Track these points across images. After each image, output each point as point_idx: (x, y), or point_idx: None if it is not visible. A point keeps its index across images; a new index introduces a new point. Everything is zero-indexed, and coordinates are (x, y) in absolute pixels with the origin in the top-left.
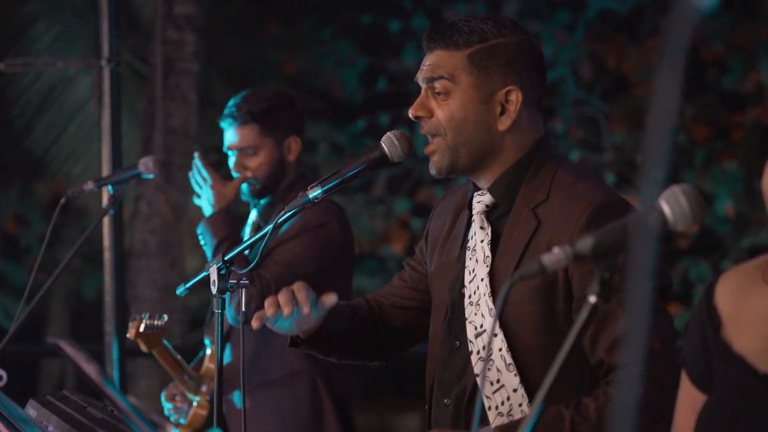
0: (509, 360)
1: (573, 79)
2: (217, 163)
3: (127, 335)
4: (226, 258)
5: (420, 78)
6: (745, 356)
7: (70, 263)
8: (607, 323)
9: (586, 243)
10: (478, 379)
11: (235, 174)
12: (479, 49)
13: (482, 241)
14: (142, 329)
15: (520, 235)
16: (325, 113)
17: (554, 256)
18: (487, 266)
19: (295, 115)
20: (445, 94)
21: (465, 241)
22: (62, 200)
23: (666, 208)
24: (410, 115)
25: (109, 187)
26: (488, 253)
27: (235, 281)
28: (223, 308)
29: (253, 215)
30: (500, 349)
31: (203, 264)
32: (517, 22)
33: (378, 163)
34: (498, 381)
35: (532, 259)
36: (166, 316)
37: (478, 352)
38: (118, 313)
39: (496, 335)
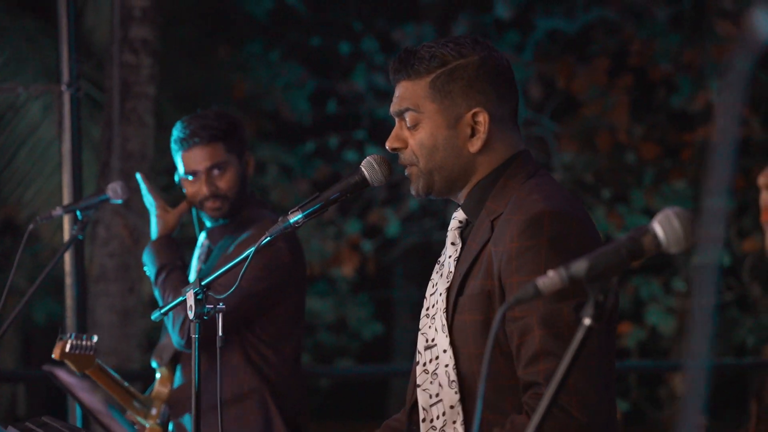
0: (453, 377)
1: (522, 100)
2: (168, 186)
3: (53, 355)
4: (203, 283)
5: (392, 112)
6: None
7: (18, 287)
8: (527, 338)
9: (580, 266)
10: (419, 390)
11: (204, 196)
12: (440, 74)
13: (450, 257)
14: (68, 349)
15: (475, 246)
16: (275, 135)
17: (549, 279)
18: (448, 281)
19: (245, 132)
20: (414, 125)
21: (439, 257)
22: (30, 226)
23: (659, 231)
24: (387, 148)
25: (78, 212)
26: (452, 269)
27: (211, 306)
28: (199, 333)
29: (202, 237)
30: (446, 365)
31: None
32: (479, 39)
33: (358, 187)
34: (437, 395)
35: (478, 269)
36: (96, 337)
37: (425, 364)
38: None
39: (445, 351)
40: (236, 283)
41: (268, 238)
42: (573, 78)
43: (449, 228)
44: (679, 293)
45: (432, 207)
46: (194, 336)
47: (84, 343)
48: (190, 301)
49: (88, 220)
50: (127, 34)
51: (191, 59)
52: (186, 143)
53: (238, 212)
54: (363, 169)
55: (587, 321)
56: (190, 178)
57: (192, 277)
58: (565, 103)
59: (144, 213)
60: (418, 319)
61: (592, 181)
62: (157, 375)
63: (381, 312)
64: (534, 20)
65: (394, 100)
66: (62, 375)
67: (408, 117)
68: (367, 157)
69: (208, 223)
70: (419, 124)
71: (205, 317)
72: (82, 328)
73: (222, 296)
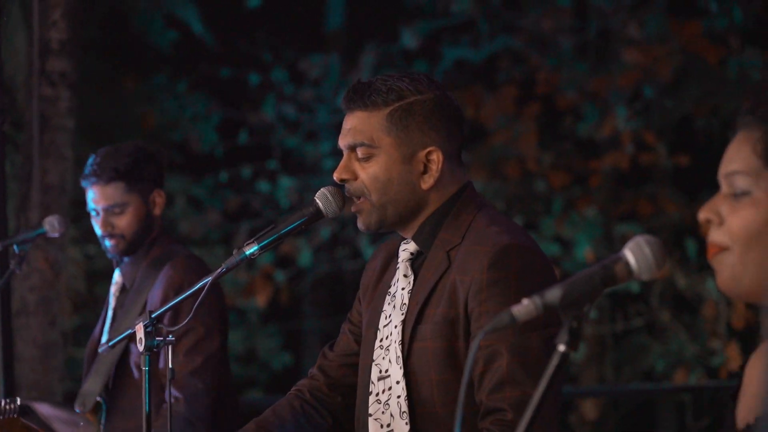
0: (404, 408)
1: None
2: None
3: None
4: (153, 315)
5: (342, 144)
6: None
7: None
8: (493, 365)
9: (555, 293)
10: (371, 419)
11: (100, 234)
12: (398, 107)
13: (403, 289)
14: None
15: (431, 276)
16: (183, 166)
17: (524, 307)
18: (403, 314)
19: (157, 168)
20: (367, 158)
21: (389, 287)
22: None
23: (631, 258)
24: (335, 179)
25: (15, 246)
26: (406, 300)
27: (161, 338)
28: (150, 365)
29: (117, 274)
30: (399, 396)
31: (84, 321)
32: (432, 77)
33: (313, 219)
34: (389, 425)
35: (438, 298)
36: (18, 399)
37: (377, 395)
38: (6, 372)
39: (398, 382)
40: (189, 316)
41: (224, 269)
42: (481, 107)
43: (399, 259)
44: (590, 320)
45: (343, 236)
46: (144, 369)
47: (6, 407)
48: (140, 333)
49: (24, 254)
50: (45, 67)
51: (98, 91)
52: (87, 181)
53: (148, 249)
54: (317, 200)
55: (561, 347)
56: (93, 213)
57: (109, 313)
58: (473, 132)
59: (64, 246)
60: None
61: (503, 208)
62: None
63: (290, 342)
64: (441, 50)
65: (345, 132)
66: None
67: (360, 151)
68: (321, 189)
69: (115, 260)
70: (373, 157)
71: (155, 350)
72: (8, 363)
73: (173, 328)
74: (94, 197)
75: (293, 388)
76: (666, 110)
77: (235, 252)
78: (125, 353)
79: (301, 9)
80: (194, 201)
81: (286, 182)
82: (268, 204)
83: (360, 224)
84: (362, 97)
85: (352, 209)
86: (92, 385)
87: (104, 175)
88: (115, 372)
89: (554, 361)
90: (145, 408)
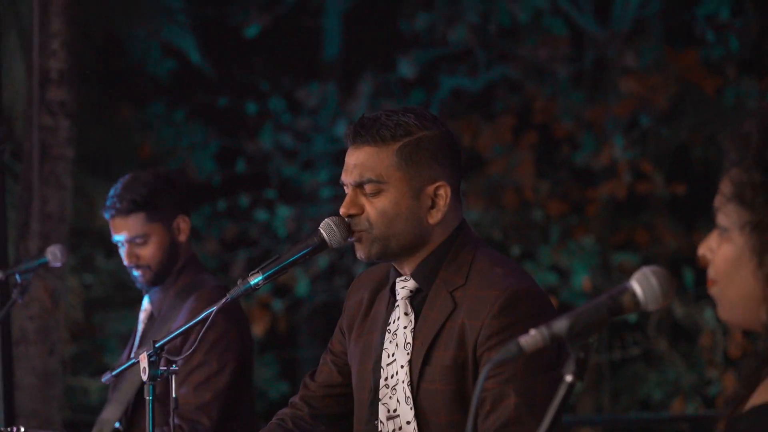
0: None
1: None
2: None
3: None
4: (157, 345)
5: (348, 181)
6: None
7: None
8: (501, 405)
9: (562, 324)
10: None
11: (127, 265)
12: (407, 142)
13: (405, 328)
14: None
15: (436, 317)
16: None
17: (531, 338)
18: (408, 353)
19: (178, 194)
20: (375, 193)
21: (387, 323)
22: None
23: (638, 289)
24: (341, 214)
25: (17, 275)
26: (410, 340)
27: (165, 368)
28: (153, 395)
29: (146, 302)
30: None
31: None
32: (435, 115)
33: (318, 249)
34: None
35: (446, 340)
36: (22, 429)
37: None
38: (6, 401)
39: (409, 423)
40: (195, 344)
41: (229, 298)
42: (478, 136)
43: (399, 297)
44: None
45: (341, 266)
46: (148, 398)
47: None
48: (144, 363)
49: (27, 284)
50: (45, 96)
51: (95, 120)
52: (108, 212)
53: (176, 278)
54: (321, 230)
55: (569, 378)
56: (118, 245)
57: (137, 341)
58: (470, 161)
59: (64, 275)
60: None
61: (500, 237)
62: None
63: (287, 371)
64: (438, 79)
65: (351, 167)
66: None
67: (368, 187)
68: (326, 219)
69: (144, 288)
70: (381, 192)
71: (159, 379)
72: (9, 392)
73: (178, 357)
74: (116, 229)
75: (275, 417)
76: (662, 139)
77: (239, 282)
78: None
79: (299, 38)
80: (191, 230)
81: (283, 211)
82: (265, 233)
83: (360, 253)
84: (370, 132)
85: (354, 237)
86: (111, 413)
87: (124, 207)
88: (135, 400)
89: (561, 391)
90: None
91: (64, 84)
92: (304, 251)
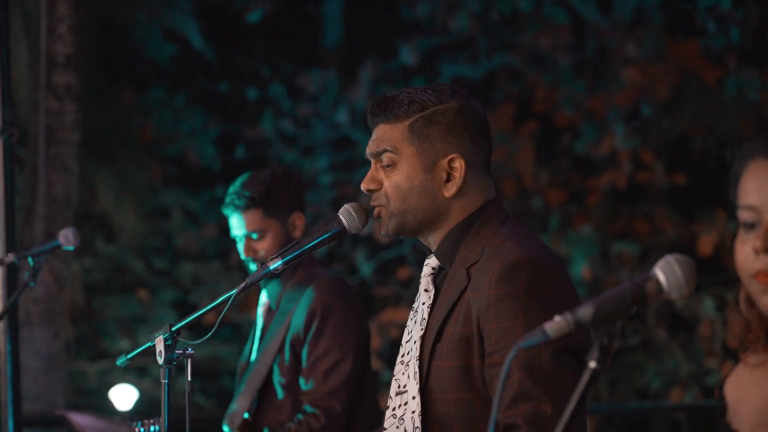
0: (417, 424)
1: None
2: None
3: None
4: (173, 328)
5: (368, 154)
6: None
7: None
8: (507, 382)
9: (586, 311)
10: None
11: (244, 258)
12: (419, 117)
13: (424, 304)
14: None
15: (451, 293)
16: (180, 180)
17: (556, 324)
18: (422, 329)
19: (294, 192)
20: (391, 166)
21: (413, 302)
22: None
23: (661, 277)
24: (363, 189)
25: (29, 259)
26: (426, 315)
27: (180, 352)
28: (169, 378)
29: (264, 296)
30: (413, 412)
31: (87, 333)
32: (456, 87)
33: (337, 235)
34: None
35: (457, 316)
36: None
37: (394, 409)
38: (14, 383)
39: (414, 398)
40: (214, 328)
41: (249, 282)
42: None
43: (422, 274)
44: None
45: (340, 252)
46: (164, 381)
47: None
48: (160, 346)
49: (39, 267)
50: (51, 81)
51: (96, 104)
52: (227, 209)
53: (293, 272)
54: (341, 216)
55: (592, 364)
56: (237, 240)
57: (257, 333)
58: None
59: (68, 259)
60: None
61: None
62: None
63: None
64: (439, 66)
65: (371, 142)
66: (75, 418)
67: (385, 157)
68: (345, 205)
69: (262, 282)
70: (396, 165)
71: (174, 362)
72: (16, 375)
73: (194, 342)
74: (234, 225)
75: None
76: (663, 129)
77: (259, 266)
78: (270, 373)
79: (300, 24)
80: (191, 215)
81: None
82: None
83: (381, 230)
84: (385, 111)
85: (374, 214)
86: (240, 404)
87: (241, 204)
88: (261, 391)
89: (584, 377)
90: (164, 423)
91: (70, 68)
92: (324, 236)
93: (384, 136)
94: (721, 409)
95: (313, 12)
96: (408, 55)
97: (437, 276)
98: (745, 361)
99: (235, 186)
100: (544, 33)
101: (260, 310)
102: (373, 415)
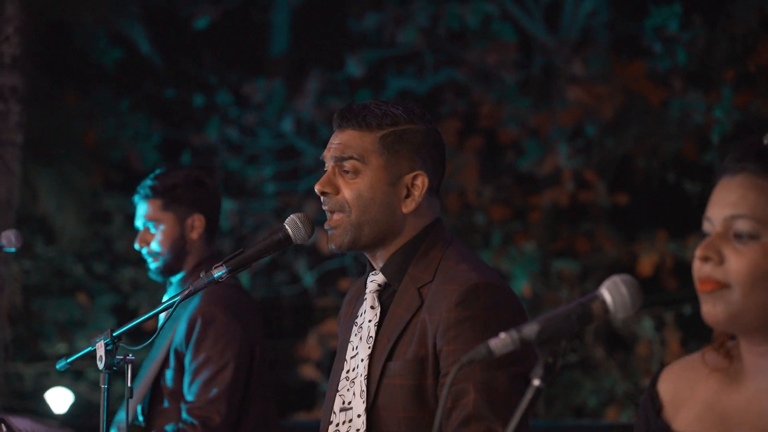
0: None
1: None
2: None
3: None
4: (115, 334)
5: (328, 156)
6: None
7: None
8: (460, 402)
9: (531, 329)
10: None
11: (137, 248)
12: (391, 132)
13: (370, 321)
14: None
15: (403, 313)
16: (122, 185)
17: (501, 341)
18: (369, 347)
19: (202, 193)
20: (353, 173)
21: (355, 316)
22: None
23: (607, 297)
24: (316, 191)
25: None
26: (373, 333)
27: (121, 357)
28: (109, 383)
29: (166, 298)
30: (358, 430)
31: (25, 335)
32: (425, 110)
33: (281, 244)
34: None
35: (410, 336)
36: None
37: (338, 425)
38: None
39: (360, 416)
40: (156, 334)
41: (192, 290)
42: None
43: (367, 290)
44: None
45: (282, 261)
46: (103, 386)
47: None
48: (100, 351)
49: None
50: None
51: (40, 106)
52: (135, 197)
53: (190, 274)
54: (287, 226)
55: (536, 382)
56: (138, 230)
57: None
58: None
59: (8, 260)
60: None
61: None
62: None
63: None
64: (385, 79)
65: (335, 146)
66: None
67: (348, 164)
68: (291, 215)
69: (167, 284)
70: (360, 174)
71: (115, 368)
72: None
73: (135, 348)
74: (138, 213)
75: None
76: (606, 149)
77: (202, 275)
78: (158, 380)
79: (248, 32)
80: (132, 220)
81: (226, 205)
82: None
83: (332, 242)
84: (357, 117)
85: (326, 225)
86: (131, 410)
87: (144, 192)
88: (151, 398)
89: (528, 395)
90: (103, 427)
91: (16, 69)
92: (268, 245)
93: (351, 142)
94: (655, 407)
95: (260, 20)
96: (355, 67)
97: (382, 293)
98: (705, 356)
99: (149, 177)
100: (492, 49)
101: (162, 315)
102: (263, 424)
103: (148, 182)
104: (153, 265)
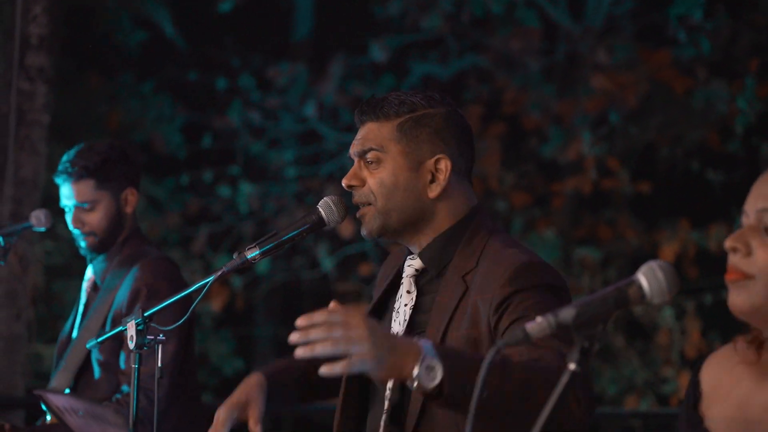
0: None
1: None
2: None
3: None
4: (146, 314)
5: (352, 153)
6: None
7: None
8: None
9: (568, 313)
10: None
11: (72, 229)
12: (408, 118)
13: (406, 305)
14: None
15: (448, 302)
16: (145, 167)
17: (537, 325)
18: (403, 331)
19: (130, 167)
20: (376, 163)
21: (393, 301)
22: None
23: (644, 282)
24: (343, 185)
25: (0, 238)
26: (407, 317)
27: (152, 337)
28: (140, 363)
29: (89, 272)
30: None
31: (39, 316)
32: (445, 94)
33: (315, 227)
34: None
35: (459, 321)
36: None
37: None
38: None
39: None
40: (186, 315)
41: (226, 270)
42: None
43: (404, 275)
44: None
45: (302, 246)
46: (134, 366)
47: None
48: (131, 331)
49: (9, 247)
50: (24, 61)
51: (65, 88)
52: (59, 178)
53: (120, 248)
54: (320, 209)
55: (572, 366)
56: (65, 210)
57: (80, 309)
58: None
59: (33, 240)
60: (278, 356)
61: None
62: (48, 418)
63: (242, 348)
64: (409, 65)
65: (357, 141)
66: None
67: (370, 155)
68: (324, 198)
69: (88, 257)
70: (381, 163)
71: (146, 347)
72: None
73: (167, 328)
74: (65, 194)
75: None
76: (630, 137)
77: (236, 255)
78: (89, 350)
79: (272, 16)
80: (154, 202)
81: (247, 188)
82: (228, 209)
83: (363, 230)
84: (374, 110)
85: (357, 215)
86: (59, 381)
87: (75, 173)
88: (80, 368)
89: (564, 379)
90: (132, 408)
91: (43, 50)
92: (302, 228)
93: (370, 135)
94: (694, 398)
95: (284, 4)
96: (378, 53)
97: (419, 278)
98: (736, 343)
99: (69, 154)
100: (516, 36)
101: (85, 285)
102: (195, 399)
103: (76, 161)
104: (88, 243)
